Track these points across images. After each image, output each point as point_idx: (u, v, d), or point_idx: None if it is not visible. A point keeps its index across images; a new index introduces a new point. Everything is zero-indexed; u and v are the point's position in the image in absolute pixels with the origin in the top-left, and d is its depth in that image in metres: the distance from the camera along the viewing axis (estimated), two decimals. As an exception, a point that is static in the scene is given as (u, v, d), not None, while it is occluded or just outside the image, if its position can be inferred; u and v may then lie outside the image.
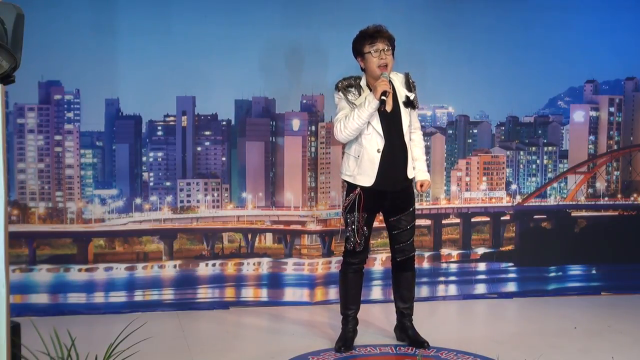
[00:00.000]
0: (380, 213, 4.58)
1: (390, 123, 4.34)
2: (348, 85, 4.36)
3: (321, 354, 4.51)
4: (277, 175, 5.92)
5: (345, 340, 4.56)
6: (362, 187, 4.38)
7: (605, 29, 6.25)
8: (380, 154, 4.33)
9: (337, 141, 4.53)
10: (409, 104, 4.37)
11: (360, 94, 4.34)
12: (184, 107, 5.75)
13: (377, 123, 4.31)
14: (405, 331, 4.65)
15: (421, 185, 4.56)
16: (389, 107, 4.28)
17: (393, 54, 4.35)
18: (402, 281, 4.64)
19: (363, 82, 4.38)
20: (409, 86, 4.41)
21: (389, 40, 4.31)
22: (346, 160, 4.48)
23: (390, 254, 4.69)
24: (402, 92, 4.39)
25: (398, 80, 4.42)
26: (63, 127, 5.54)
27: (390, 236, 4.57)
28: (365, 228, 4.42)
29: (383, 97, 4.18)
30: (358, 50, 4.35)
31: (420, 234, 6.14)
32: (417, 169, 4.51)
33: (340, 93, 4.37)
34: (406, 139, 4.39)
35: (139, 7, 5.50)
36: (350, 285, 4.59)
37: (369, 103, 4.22)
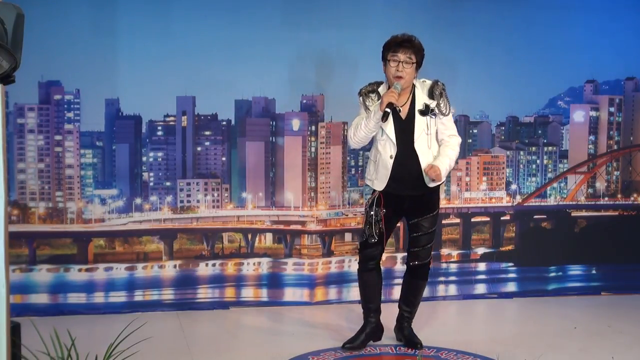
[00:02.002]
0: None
1: (404, 130, 4.32)
2: (370, 91, 4.39)
3: (321, 354, 4.51)
4: (277, 175, 5.92)
5: (354, 341, 4.57)
6: (380, 191, 4.42)
7: (606, 29, 6.25)
8: (392, 160, 4.33)
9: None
10: (426, 112, 4.31)
11: (378, 100, 4.35)
12: (184, 107, 5.75)
13: (390, 130, 4.31)
14: (402, 331, 4.66)
15: (433, 170, 4.29)
16: (405, 114, 4.29)
17: (420, 64, 4.32)
18: (412, 287, 4.65)
19: (381, 89, 4.38)
20: (432, 94, 4.33)
21: (414, 53, 4.26)
22: (368, 165, 4.55)
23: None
24: (421, 100, 4.34)
25: (423, 87, 4.36)
26: (63, 127, 5.54)
27: (409, 239, 4.57)
28: (382, 223, 4.39)
29: (387, 110, 4.17)
30: (383, 55, 4.35)
31: (420, 234, 6.14)
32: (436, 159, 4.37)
33: (361, 98, 4.40)
34: (417, 146, 4.32)
35: (139, 7, 5.50)
36: (365, 284, 4.60)
37: (374, 114, 4.25)
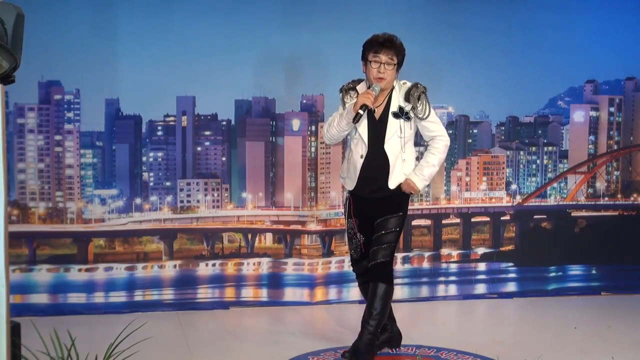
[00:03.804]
0: None
1: (376, 131, 4.24)
2: (351, 88, 4.29)
3: (321, 354, 4.51)
4: (277, 175, 5.92)
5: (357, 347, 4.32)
6: (350, 192, 4.37)
7: (605, 29, 6.26)
8: (362, 159, 4.25)
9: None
10: (399, 115, 4.21)
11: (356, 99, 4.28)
12: (184, 107, 5.76)
13: (363, 129, 4.24)
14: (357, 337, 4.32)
15: (407, 184, 4.24)
16: (379, 115, 4.22)
17: (401, 65, 4.24)
18: (371, 292, 4.28)
19: (360, 87, 4.29)
20: (408, 97, 4.21)
21: (395, 53, 4.17)
22: (343, 163, 4.52)
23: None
24: (397, 102, 4.25)
25: (401, 89, 4.26)
26: (63, 127, 5.54)
27: (372, 240, 4.31)
28: (359, 235, 4.35)
29: (360, 111, 4.10)
30: (363, 54, 4.26)
31: (420, 234, 6.15)
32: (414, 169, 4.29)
33: (341, 95, 4.33)
34: (387, 148, 4.22)
35: (139, 7, 5.50)
36: (366, 296, 4.46)
37: (346, 113, 4.19)
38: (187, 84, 5.63)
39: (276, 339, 4.92)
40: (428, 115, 4.23)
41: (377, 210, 4.31)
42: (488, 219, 6.29)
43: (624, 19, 6.30)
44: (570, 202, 6.44)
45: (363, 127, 4.25)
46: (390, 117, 4.23)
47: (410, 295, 6.05)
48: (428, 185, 6.08)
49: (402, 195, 4.33)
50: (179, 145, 5.79)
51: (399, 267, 5.98)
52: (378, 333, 4.32)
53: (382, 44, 4.17)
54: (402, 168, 4.27)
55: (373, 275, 4.27)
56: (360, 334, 4.26)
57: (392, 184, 4.27)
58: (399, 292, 5.79)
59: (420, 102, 4.21)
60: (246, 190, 5.88)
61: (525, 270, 6.30)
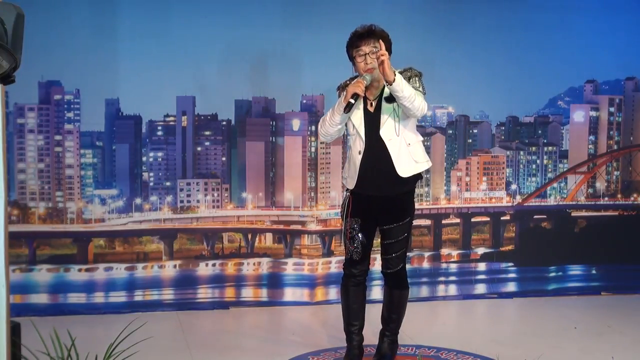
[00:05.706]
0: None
1: (372, 123, 4.05)
2: (347, 85, 4.13)
3: (321, 354, 4.51)
4: (277, 175, 5.93)
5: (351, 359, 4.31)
6: (351, 191, 4.15)
7: (605, 30, 6.26)
8: (361, 155, 4.05)
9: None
10: (391, 99, 4.00)
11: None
12: (184, 107, 5.76)
13: (360, 124, 4.06)
14: (379, 343, 4.40)
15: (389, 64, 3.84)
16: (374, 107, 4.07)
17: (389, 52, 4.01)
18: (389, 297, 4.32)
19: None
20: None
21: (377, 41, 3.98)
22: (345, 163, 4.41)
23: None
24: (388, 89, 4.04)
25: None
26: (63, 127, 5.54)
27: (381, 245, 4.24)
28: (361, 235, 4.13)
29: (351, 101, 3.92)
30: (348, 55, 4.16)
31: (420, 234, 6.15)
32: None
33: (338, 92, 4.24)
34: (383, 133, 4.00)
35: (140, 7, 5.51)
36: (352, 300, 4.29)
37: (338, 105, 4.03)
38: (187, 84, 5.63)
39: (276, 339, 4.93)
40: (419, 88, 4.00)
41: (383, 215, 4.15)
42: (488, 219, 6.29)
43: (624, 19, 6.31)
44: (570, 202, 6.45)
45: (359, 121, 4.07)
46: (384, 103, 4.04)
47: (410, 296, 5.95)
48: (428, 185, 6.09)
49: (407, 196, 4.17)
50: (179, 145, 5.80)
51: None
52: (398, 332, 4.39)
53: (360, 36, 4.05)
54: (410, 154, 4.04)
55: (390, 283, 4.28)
56: (380, 340, 4.34)
57: (403, 171, 4.03)
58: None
59: (412, 81, 4.00)
60: (246, 190, 5.88)
61: (525, 270, 6.30)
